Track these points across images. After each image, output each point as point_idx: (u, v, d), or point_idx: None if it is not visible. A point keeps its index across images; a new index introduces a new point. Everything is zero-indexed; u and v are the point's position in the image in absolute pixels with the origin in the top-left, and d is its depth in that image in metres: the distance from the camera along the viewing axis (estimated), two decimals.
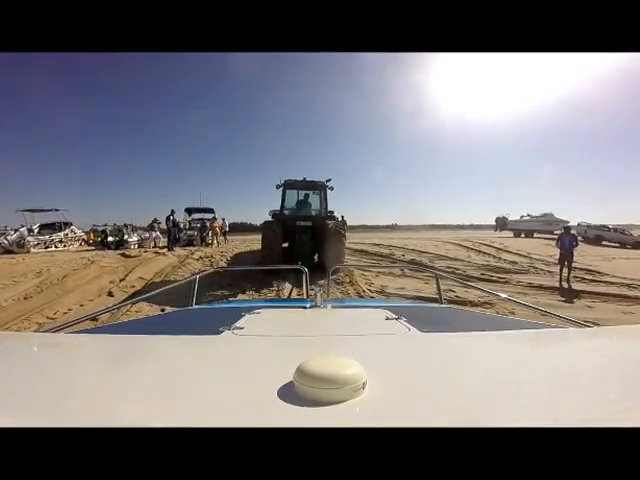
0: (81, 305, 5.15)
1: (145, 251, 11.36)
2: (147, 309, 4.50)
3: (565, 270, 7.24)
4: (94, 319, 1.62)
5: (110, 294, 5.62)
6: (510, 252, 11.79)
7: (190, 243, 13.76)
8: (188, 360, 0.60)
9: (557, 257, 8.99)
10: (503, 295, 1.48)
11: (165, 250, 11.40)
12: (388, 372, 0.47)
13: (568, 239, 7.33)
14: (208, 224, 14.68)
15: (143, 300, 4.20)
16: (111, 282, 6.44)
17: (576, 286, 6.88)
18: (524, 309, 1.31)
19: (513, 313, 4.10)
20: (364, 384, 0.39)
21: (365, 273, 7.34)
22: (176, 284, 1.60)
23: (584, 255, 11.74)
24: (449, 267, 8.47)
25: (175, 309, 1.79)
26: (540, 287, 6.78)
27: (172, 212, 12.97)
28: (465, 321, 1.24)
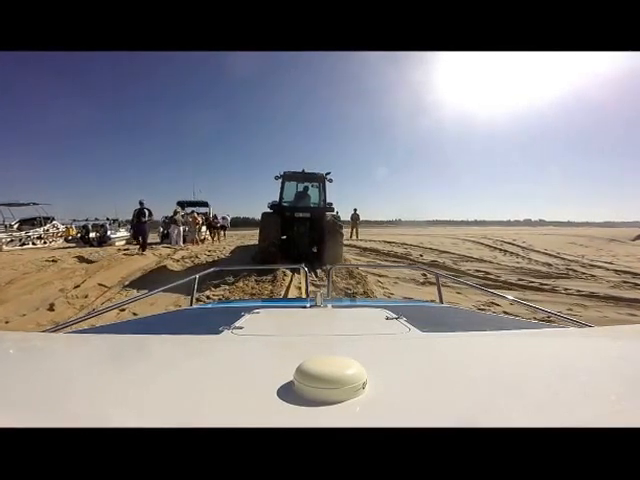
0: (7, 322, 3.87)
1: (126, 249, 10.05)
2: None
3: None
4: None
5: (51, 308, 4.32)
6: (538, 252, 10.53)
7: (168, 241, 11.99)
8: (187, 360, 0.58)
9: (589, 257, 8.22)
10: (510, 297, 1.45)
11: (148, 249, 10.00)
12: (388, 372, 0.47)
13: None
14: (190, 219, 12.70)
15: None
16: (61, 290, 5.11)
17: (632, 294, 5.51)
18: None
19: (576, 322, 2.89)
20: (364, 384, 0.39)
21: (381, 280, 6.01)
22: (175, 284, 1.51)
23: (614, 255, 10.52)
24: (478, 270, 7.10)
25: (174, 310, 1.65)
26: (596, 296, 5.41)
27: (141, 203, 10.12)
28: (465, 321, 1.21)
